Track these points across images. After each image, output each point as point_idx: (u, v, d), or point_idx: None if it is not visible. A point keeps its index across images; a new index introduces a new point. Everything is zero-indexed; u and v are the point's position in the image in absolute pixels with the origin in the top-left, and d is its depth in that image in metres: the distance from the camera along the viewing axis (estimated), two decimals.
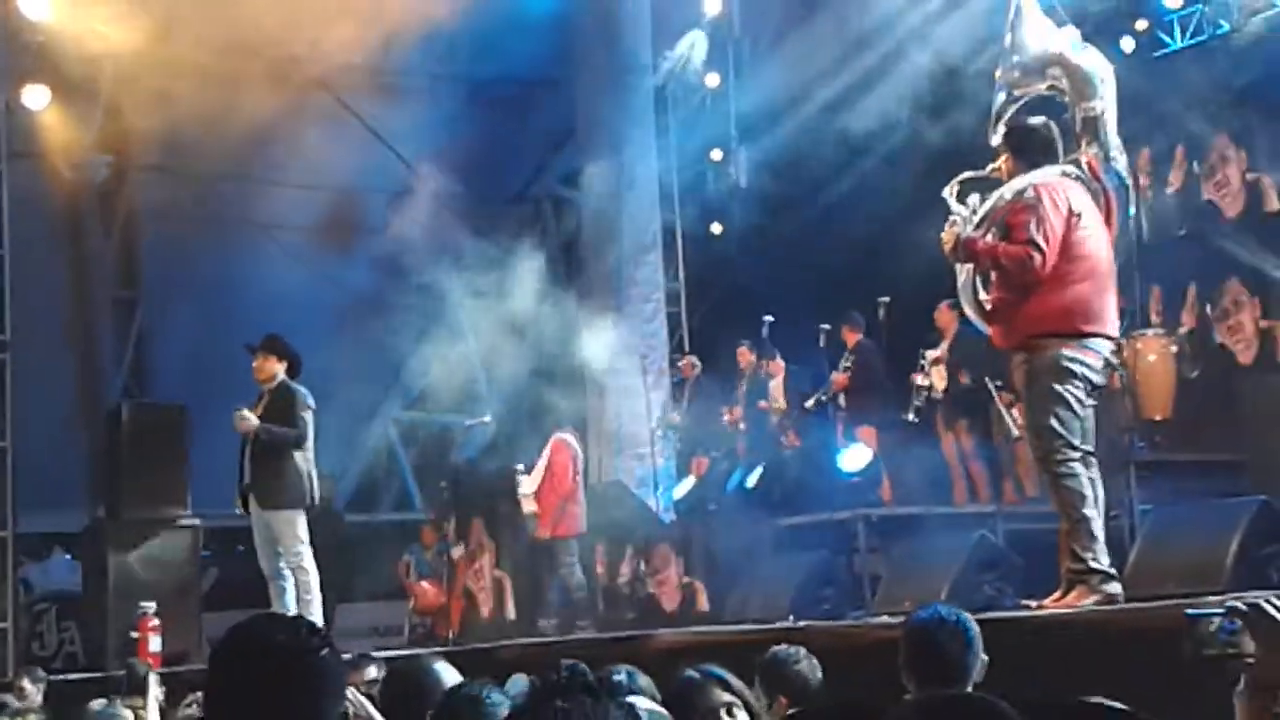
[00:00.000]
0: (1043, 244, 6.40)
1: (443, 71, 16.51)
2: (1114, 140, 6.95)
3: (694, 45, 16.76)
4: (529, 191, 18.02)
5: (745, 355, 13.53)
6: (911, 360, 12.13)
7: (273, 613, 2.64)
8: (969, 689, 4.28)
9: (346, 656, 7.14)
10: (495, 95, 16.62)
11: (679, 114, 16.95)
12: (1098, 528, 6.33)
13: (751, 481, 12.64)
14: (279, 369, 10.00)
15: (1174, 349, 10.32)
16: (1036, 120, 6.93)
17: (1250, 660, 2.92)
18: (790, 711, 5.00)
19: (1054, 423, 6.39)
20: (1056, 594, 6.39)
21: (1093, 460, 6.51)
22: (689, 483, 13.75)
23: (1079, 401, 6.42)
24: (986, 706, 2.55)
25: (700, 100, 16.98)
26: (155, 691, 8.73)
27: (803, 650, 5.32)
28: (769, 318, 13.35)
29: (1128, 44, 12.81)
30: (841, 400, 12.60)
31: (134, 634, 11.37)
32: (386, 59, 14.59)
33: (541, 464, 11.79)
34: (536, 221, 17.52)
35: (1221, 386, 10.38)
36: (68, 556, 15.13)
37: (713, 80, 16.82)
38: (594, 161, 15.89)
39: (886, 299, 12.13)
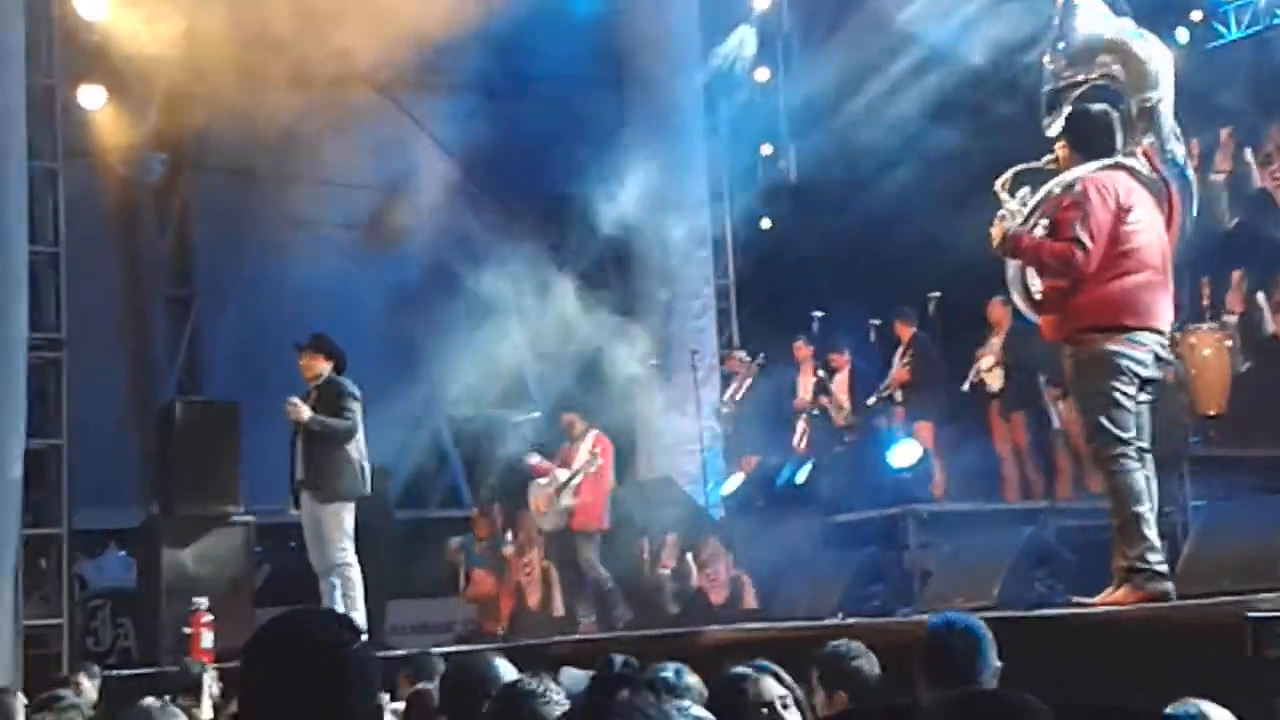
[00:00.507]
0: (1087, 241, 6.33)
1: (490, 69, 16.52)
2: (1169, 129, 6.84)
3: (743, 40, 16.72)
4: (577, 188, 18.01)
5: (802, 349, 13.50)
6: (962, 355, 12.06)
7: (306, 608, 2.66)
8: None
9: (399, 653, 7.20)
10: (543, 92, 16.63)
11: (728, 109, 16.91)
12: (1148, 525, 6.23)
13: (801, 478, 12.60)
14: (325, 367, 10.10)
15: (1229, 343, 10.20)
16: (1096, 109, 6.83)
17: None
18: (838, 711, 5.00)
19: (1103, 419, 6.32)
20: (1107, 591, 6.33)
21: (1147, 456, 6.44)
22: (738, 478, 13.72)
23: (1127, 396, 6.33)
24: (1015, 703, 2.54)
25: (750, 95, 16.93)
26: (211, 689, 8.80)
27: (861, 645, 5.30)
28: (819, 313, 13.31)
29: (1183, 35, 12.70)
30: (899, 395, 12.51)
31: (186, 630, 11.44)
32: (434, 57, 14.62)
33: (583, 458, 11.81)
34: (585, 218, 17.52)
35: (1277, 381, 10.25)
36: (122, 553, 15.24)
37: (762, 75, 16.77)
38: (643, 158, 15.86)
39: (937, 294, 12.08)
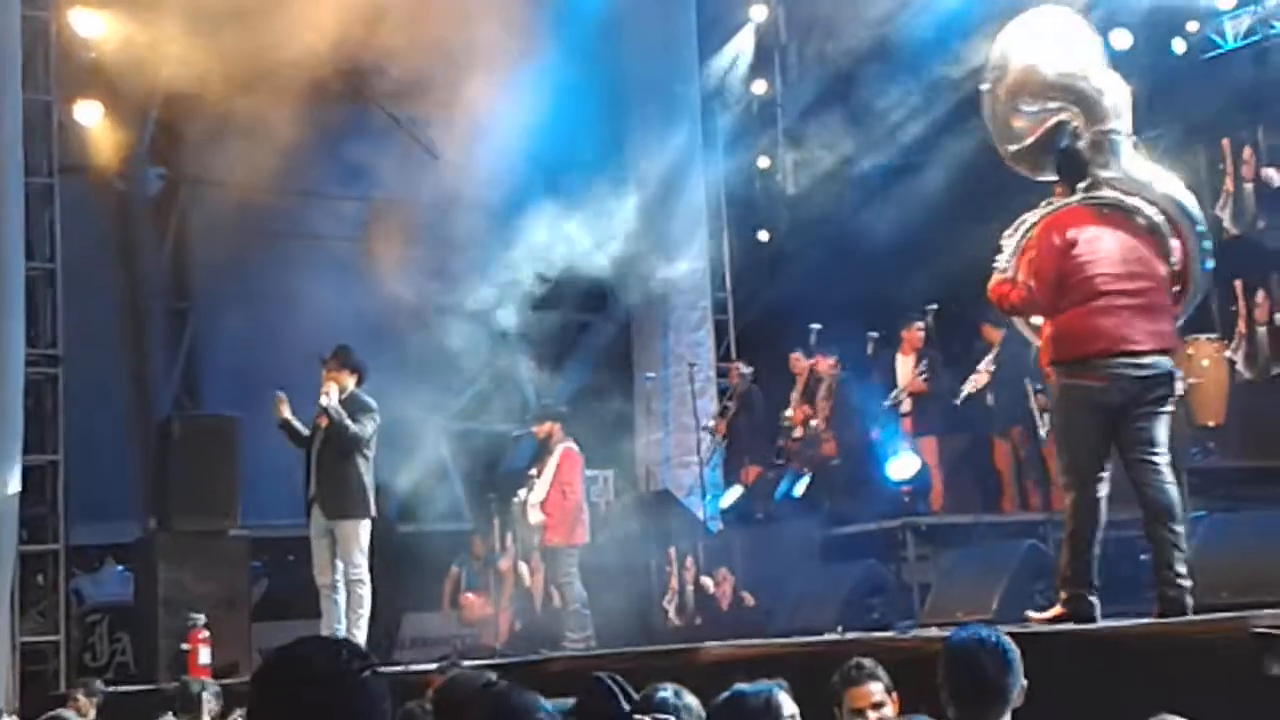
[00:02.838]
0: (1030, 282, 6.62)
1: (485, 80, 16.49)
2: (1128, 158, 6.81)
3: (740, 52, 16.73)
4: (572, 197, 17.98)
5: (799, 361, 13.44)
6: (958, 368, 12.03)
7: (315, 636, 2.61)
8: (1008, 713, 4.19)
9: (428, 667, 7.14)
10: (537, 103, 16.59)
11: (726, 121, 16.91)
12: (1078, 548, 6.41)
13: (799, 490, 12.58)
14: (349, 381, 10.07)
15: (1227, 354, 10.19)
16: (1076, 146, 6.95)
17: None
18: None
19: (1060, 448, 6.79)
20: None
21: (1152, 466, 6.42)
22: (736, 491, 13.69)
23: (1083, 427, 6.48)
24: None
25: (747, 107, 16.92)
26: (210, 706, 8.79)
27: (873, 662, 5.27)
28: (816, 326, 13.29)
29: (1179, 45, 12.71)
30: (906, 406, 12.32)
31: (184, 646, 11.42)
32: (428, 68, 14.60)
33: (549, 473, 11.72)
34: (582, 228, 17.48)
35: (1276, 392, 10.24)
36: (120, 568, 15.21)
37: (759, 87, 16.77)
38: (640, 169, 15.85)
39: (934, 306, 12.06)
